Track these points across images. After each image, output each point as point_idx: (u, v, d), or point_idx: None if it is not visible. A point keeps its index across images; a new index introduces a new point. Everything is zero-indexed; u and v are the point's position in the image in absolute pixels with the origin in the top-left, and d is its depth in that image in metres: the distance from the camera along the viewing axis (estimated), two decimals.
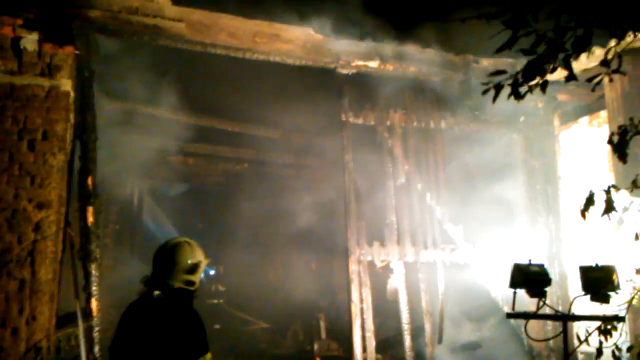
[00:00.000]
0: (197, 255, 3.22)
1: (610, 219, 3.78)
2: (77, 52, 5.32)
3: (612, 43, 3.21)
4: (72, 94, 5.27)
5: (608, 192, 3.89)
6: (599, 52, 5.24)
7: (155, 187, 12.51)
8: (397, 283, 6.43)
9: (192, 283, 3.18)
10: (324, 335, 9.31)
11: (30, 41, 5.11)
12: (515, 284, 3.84)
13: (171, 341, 2.93)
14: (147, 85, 7.55)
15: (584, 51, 2.96)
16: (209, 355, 2.98)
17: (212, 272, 14.20)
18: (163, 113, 8.45)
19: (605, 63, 3.06)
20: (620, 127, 3.65)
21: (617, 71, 3.10)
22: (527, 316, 3.92)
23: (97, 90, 5.92)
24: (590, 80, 3.24)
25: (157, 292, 3.05)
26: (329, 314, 9.72)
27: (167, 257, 3.16)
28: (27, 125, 5.01)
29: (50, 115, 5.09)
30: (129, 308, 3.18)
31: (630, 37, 3.25)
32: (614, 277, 3.68)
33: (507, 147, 7.64)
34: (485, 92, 3.23)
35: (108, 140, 6.90)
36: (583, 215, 3.96)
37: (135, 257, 11.41)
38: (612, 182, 5.83)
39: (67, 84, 5.20)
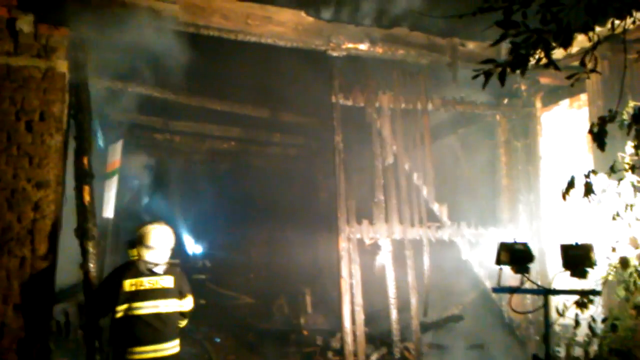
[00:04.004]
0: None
1: (589, 201, 4.04)
2: (71, 32, 5.37)
3: (588, 44, 3.48)
4: (68, 75, 5.33)
5: (587, 176, 4.16)
6: (580, 38, 5.43)
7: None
8: (384, 259, 6.66)
9: None
10: (309, 309, 9.53)
11: (25, 22, 5.14)
12: (500, 261, 4.08)
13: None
14: (137, 65, 7.58)
15: (567, 45, 3.18)
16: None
17: (198, 249, 14.34)
18: (150, 91, 8.51)
19: (582, 64, 3.33)
20: (599, 118, 3.90)
21: (593, 70, 3.42)
22: (512, 290, 4.17)
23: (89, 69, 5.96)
24: (569, 77, 3.49)
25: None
26: (315, 289, 9.93)
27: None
28: (24, 106, 5.08)
29: (46, 96, 5.16)
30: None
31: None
32: (592, 254, 3.93)
33: (491, 128, 7.87)
34: (475, 77, 3.47)
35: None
36: (564, 197, 4.22)
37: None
38: (591, 162, 6.12)
39: (62, 65, 5.26)
